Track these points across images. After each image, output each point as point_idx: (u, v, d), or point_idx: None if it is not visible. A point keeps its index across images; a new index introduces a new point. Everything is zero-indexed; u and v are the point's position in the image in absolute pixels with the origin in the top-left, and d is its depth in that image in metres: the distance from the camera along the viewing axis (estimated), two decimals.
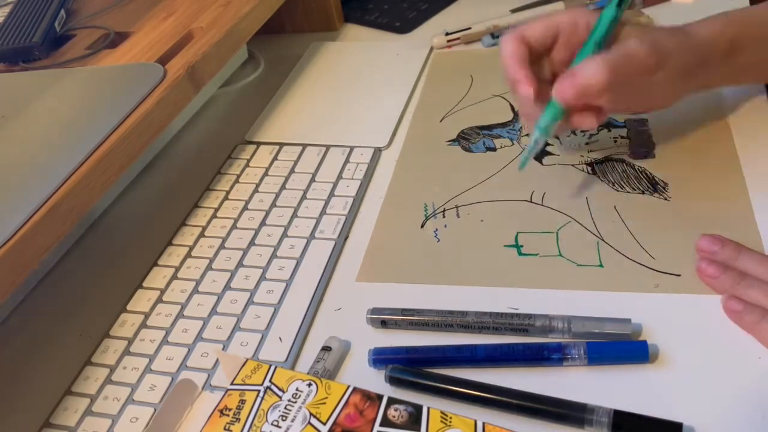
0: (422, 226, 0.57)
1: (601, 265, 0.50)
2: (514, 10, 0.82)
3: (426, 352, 0.46)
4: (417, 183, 0.62)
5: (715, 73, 0.54)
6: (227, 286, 0.54)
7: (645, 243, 0.51)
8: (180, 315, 0.52)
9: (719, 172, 0.55)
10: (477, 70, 0.76)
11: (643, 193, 0.55)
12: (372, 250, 0.56)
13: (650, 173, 0.57)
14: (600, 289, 0.49)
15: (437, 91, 0.74)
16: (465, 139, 0.65)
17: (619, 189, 0.56)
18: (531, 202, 0.57)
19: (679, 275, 0.48)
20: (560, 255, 0.52)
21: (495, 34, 0.79)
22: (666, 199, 0.54)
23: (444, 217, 0.57)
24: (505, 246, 0.53)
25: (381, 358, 0.46)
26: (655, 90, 0.52)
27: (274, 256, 0.56)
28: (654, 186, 0.56)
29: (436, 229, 0.56)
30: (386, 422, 0.40)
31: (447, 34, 0.80)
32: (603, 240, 0.52)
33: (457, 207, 0.58)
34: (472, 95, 0.72)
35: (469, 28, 0.80)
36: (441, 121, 0.69)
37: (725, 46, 0.54)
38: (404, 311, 0.48)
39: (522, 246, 0.53)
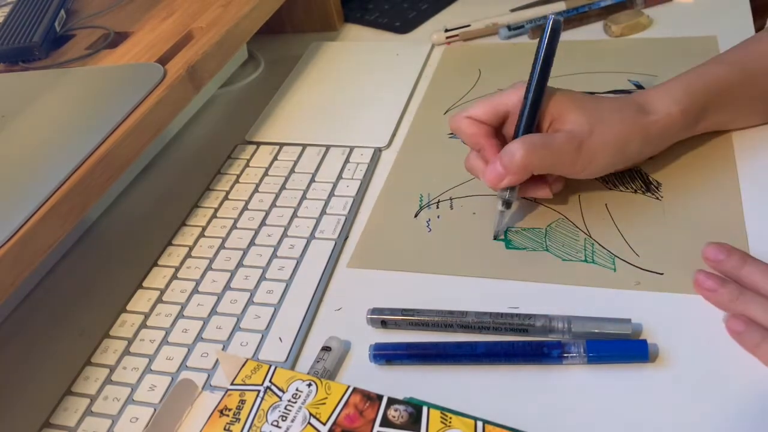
0: (416, 216, 0.58)
1: (585, 261, 0.51)
2: (514, 9, 0.82)
3: (426, 348, 0.46)
4: (415, 173, 0.62)
5: (669, 142, 0.55)
6: (227, 286, 0.54)
7: (632, 241, 0.51)
8: (180, 315, 0.52)
9: (714, 174, 0.55)
10: (486, 64, 0.76)
11: (635, 192, 0.55)
12: (366, 236, 0.57)
13: (645, 173, 0.57)
14: (584, 285, 0.49)
15: (444, 84, 0.74)
16: None
17: (612, 188, 0.56)
18: (524, 198, 0.57)
19: (662, 274, 0.49)
20: (547, 250, 0.52)
21: (511, 26, 0.79)
22: (658, 198, 0.54)
23: (438, 208, 0.58)
24: (493, 239, 0.54)
25: (382, 353, 0.46)
26: (590, 170, 0.52)
27: (274, 256, 0.56)
28: (647, 185, 0.56)
29: (429, 220, 0.57)
30: (386, 422, 0.40)
31: (446, 30, 0.80)
32: (590, 236, 0.52)
33: (451, 199, 0.59)
34: (478, 89, 0.72)
35: (468, 26, 0.80)
36: (445, 113, 0.69)
37: (683, 125, 0.54)
38: (404, 311, 0.48)
39: (511, 240, 0.53)
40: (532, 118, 0.52)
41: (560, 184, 0.55)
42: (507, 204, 0.53)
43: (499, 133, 0.54)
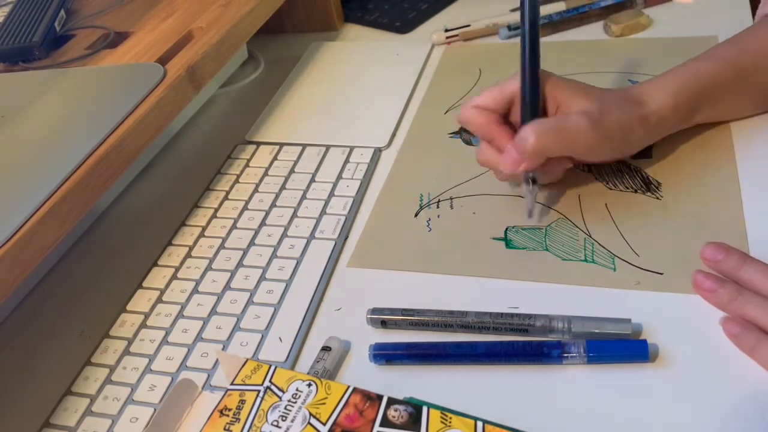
0: (416, 216, 0.58)
1: (585, 260, 0.51)
2: (514, 10, 0.82)
3: (426, 348, 0.46)
4: (416, 173, 0.62)
5: (666, 133, 0.56)
6: (227, 286, 0.54)
7: (632, 240, 0.51)
8: (180, 315, 0.52)
9: (715, 175, 0.55)
10: (486, 64, 0.76)
11: (635, 191, 0.55)
12: (366, 236, 0.57)
13: (645, 173, 0.57)
14: (584, 285, 0.49)
15: (444, 84, 0.74)
16: (467, 132, 0.66)
17: (612, 187, 0.56)
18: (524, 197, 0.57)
19: (662, 274, 0.49)
20: (547, 250, 0.52)
21: (511, 26, 0.79)
22: (658, 198, 0.55)
23: (438, 207, 0.58)
24: (492, 239, 0.54)
25: (382, 353, 0.46)
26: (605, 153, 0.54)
27: (274, 256, 0.56)
28: (647, 185, 0.56)
29: (429, 219, 0.57)
30: (386, 422, 0.40)
31: (446, 30, 0.80)
32: (590, 236, 0.53)
33: (451, 198, 0.59)
34: (478, 89, 0.72)
35: (468, 26, 0.80)
36: (445, 113, 0.69)
37: (677, 119, 0.55)
38: (404, 311, 0.48)
39: (511, 240, 0.53)
40: (535, 98, 0.52)
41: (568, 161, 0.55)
42: (532, 180, 0.52)
43: (507, 120, 0.54)
